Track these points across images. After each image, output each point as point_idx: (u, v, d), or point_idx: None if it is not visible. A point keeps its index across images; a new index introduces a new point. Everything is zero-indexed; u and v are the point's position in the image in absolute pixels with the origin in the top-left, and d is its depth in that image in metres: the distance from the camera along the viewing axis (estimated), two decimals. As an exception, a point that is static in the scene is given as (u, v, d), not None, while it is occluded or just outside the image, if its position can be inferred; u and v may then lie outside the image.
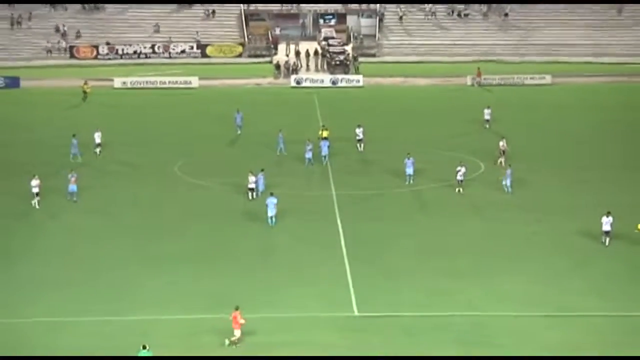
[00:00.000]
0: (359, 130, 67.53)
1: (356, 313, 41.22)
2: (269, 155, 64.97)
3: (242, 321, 37.91)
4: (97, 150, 65.79)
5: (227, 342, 37.87)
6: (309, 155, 63.08)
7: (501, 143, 63.16)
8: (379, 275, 45.27)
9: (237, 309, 38.11)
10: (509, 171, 57.48)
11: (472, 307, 41.39)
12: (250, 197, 55.90)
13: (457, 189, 57.07)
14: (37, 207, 54.29)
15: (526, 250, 48.16)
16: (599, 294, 43.08)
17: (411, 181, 58.16)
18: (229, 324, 38.42)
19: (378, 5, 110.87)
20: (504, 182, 57.52)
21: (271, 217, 52.99)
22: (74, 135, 65.53)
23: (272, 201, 52.78)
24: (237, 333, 37.78)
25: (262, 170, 57.79)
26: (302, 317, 40.76)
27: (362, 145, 67.39)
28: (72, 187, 55.35)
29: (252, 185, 56.03)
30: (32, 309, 40.72)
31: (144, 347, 35.35)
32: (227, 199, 56.35)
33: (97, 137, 66.12)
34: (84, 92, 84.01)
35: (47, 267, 46.34)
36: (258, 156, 64.94)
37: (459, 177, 56.83)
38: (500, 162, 62.25)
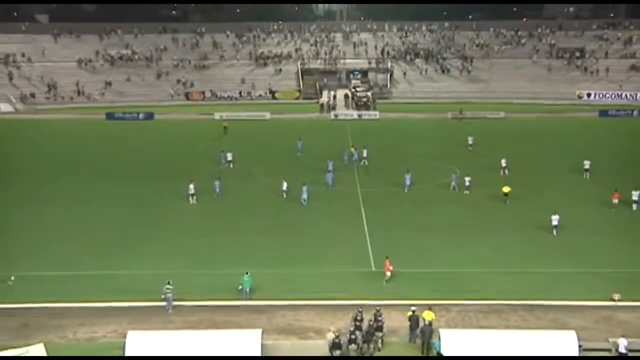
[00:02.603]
0: (364, 151, 67.36)
1: (373, 269, 41.67)
2: (314, 164, 64.65)
3: (391, 267, 39.03)
4: (230, 164, 65.21)
5: (384, 281, 39.35)
6: (330, 167, 61.58)
7: (503, 160, 62.43)
8: (390, 243, 46.06)
9: (387, 257, 39.84)
10: (454, 176, 57.75)
11: (450, 266, 41.60)
12: (284, 197, 55.14)
13: (465, 191, 56.33)
14: (194, 203, 54.26)
15: (488, 230, 48.60)
16: (537, 257, 43.33)
17: (407, 189, 57.23)
18: (283, 276, 40.47)
19: (389, 64, 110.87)
20: (452, 184, 57.49)
21: (304, 199, 53.14)
22: (221, 151, 66.22)
23: (304, 189, 53.52)
24: (388, 274, 39.29)
25: (330, 171, 59.87)
26: (334, 272, 41.40)
27: (365, 161, 66.40)
28: (217, 189, 55.47)
29: (285, 188, 55.25)
30: (170, 262, 42.25)
31: (247, 273, 37.32)
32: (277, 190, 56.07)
33: (229, 156, 65.75)
34: (224, 127, 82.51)
35: (183, 239, 47.32)
36: (307, 164, 65.41)
37: (466, 184, 56.44)
38: (504, 173, 61.42)
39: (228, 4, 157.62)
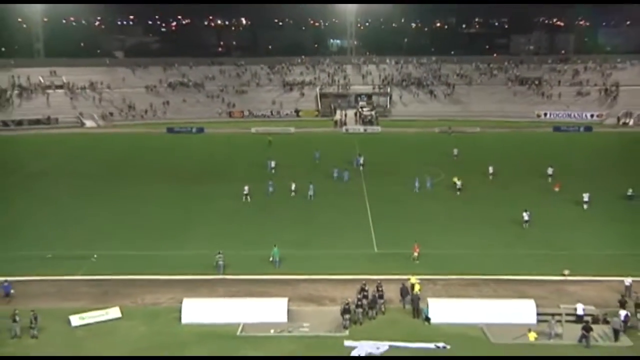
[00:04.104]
0: (361, 158, 66.49)
1: (375, 251, 41.52)
2: (328, 169, 63.20)
3: (418, 249, 38.67)
4: (273, 170, 63.40)
5: (412, 258, 39.01)
6: (335, 174, 60.97)
7: (490, 167, 61.13)
8: (389, 229, 45.99)
9: (416, 242, 39.63)
10: (428, 177, 56.76)
11: (438, 249, 41.34)
12: (291, 195, 54.32)
13: (457, 192, 54.93)
14: (248, 201, 53.17)
15: (470, 222, 48.10)
16: (507, 243, 43.18)
17: (417, 190, 56.03)
18: (304, 256, 40.40)
19: (389, 90, 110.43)
20: (427, 184, 56.57)
21: (310, 195, 52.83)
22: (269, 158, 65.38)
23: (310, 187, 53.29)
24: (415, 254, 38.96)
25: (347, 169, 60.70)
26: (344, 253, 41.42)
27: (362, 167, 65.05)
28: (270, 188, 55.15)
29: (293, 188, 54.66)
30: (217, 244, 41.38)
31: (275, 246, 38.33)
32: (301, 190, 55.18)
33: (272, 163, 64.46)
34: (269, 141, 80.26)
35: (228, 227, 47.75)
36: (323, 169, 64.39)
37: (458, 186, 55.18)
38: (490, 178, 60.27)
39: (262, 38, 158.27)
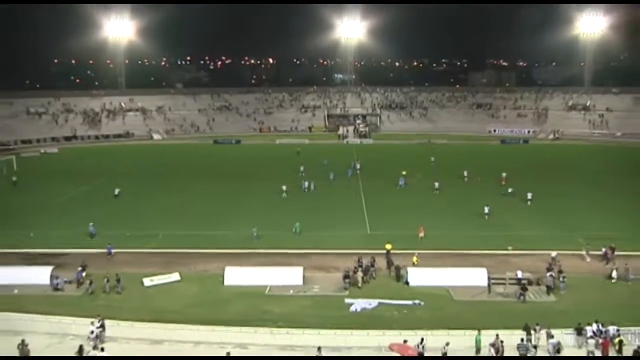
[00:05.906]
0: (357, 163, 65.31)
1: (369, 232, 41.21)
2: (331, 171, 62.21)
3: (423, 231, 37.87)
4: (302, 173, 61.08)
5: (419, 237, 37.91)
6: (331, 176, 59.32)
7: (465, 172, 58.91)
8: (380, 215, 45.42)
9: (421, 225, 38.65)
10: (401, 178, 55.46)
11: (414, 229, 40.80)
12: (304, 191, 53.37)
13: (435, 191, 53.15)
14: (285, 197, 51.64)
15: (443, 212, 46.99)
16: (468, 227, 42.63)
17: (400, 187, 55.14)
18: (315, 236, 39.58)
19: (379, 111, 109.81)
20: (400, 182, 54.90)
21: (312, 190, 52.19)
22: (301, 164, 64.01)
23: (312, 183, 52.74)
24: (421, 235, 38.23)
25: (349, 169, 59.66)
26: (339, 234, 40.90)
27: (358, 171, 63.46)
28: (304, 186, 53.96)
29: (306, 186, 53.56)
30: (251, 225, 40.71)
31: (297, 222, 38.15)
32: (310, 187, 54.68)
33: (302, 168, 62.83)
34: (298, 151, 78.02)
35: (262, 214, 46.94)
36: (325, 172, 62.88)
37: (436, 187, 53.62)
38: (465, 179, 58.34)
39: (284, 73, 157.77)
